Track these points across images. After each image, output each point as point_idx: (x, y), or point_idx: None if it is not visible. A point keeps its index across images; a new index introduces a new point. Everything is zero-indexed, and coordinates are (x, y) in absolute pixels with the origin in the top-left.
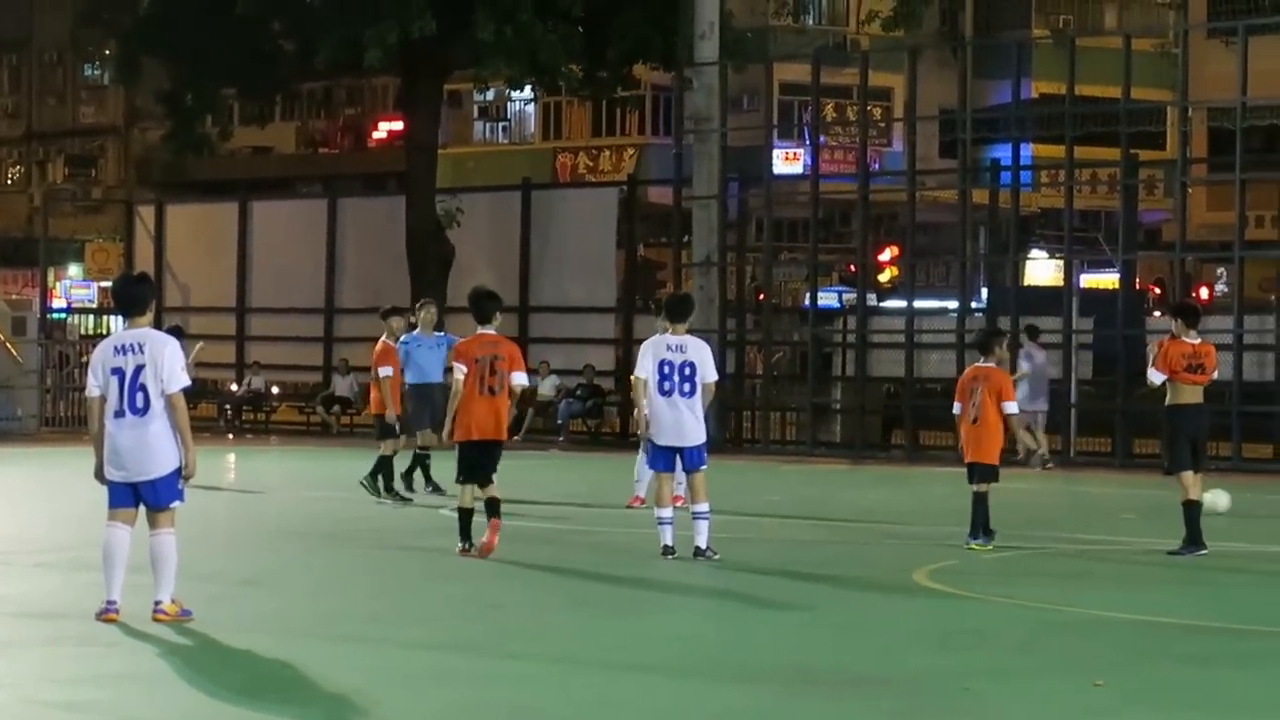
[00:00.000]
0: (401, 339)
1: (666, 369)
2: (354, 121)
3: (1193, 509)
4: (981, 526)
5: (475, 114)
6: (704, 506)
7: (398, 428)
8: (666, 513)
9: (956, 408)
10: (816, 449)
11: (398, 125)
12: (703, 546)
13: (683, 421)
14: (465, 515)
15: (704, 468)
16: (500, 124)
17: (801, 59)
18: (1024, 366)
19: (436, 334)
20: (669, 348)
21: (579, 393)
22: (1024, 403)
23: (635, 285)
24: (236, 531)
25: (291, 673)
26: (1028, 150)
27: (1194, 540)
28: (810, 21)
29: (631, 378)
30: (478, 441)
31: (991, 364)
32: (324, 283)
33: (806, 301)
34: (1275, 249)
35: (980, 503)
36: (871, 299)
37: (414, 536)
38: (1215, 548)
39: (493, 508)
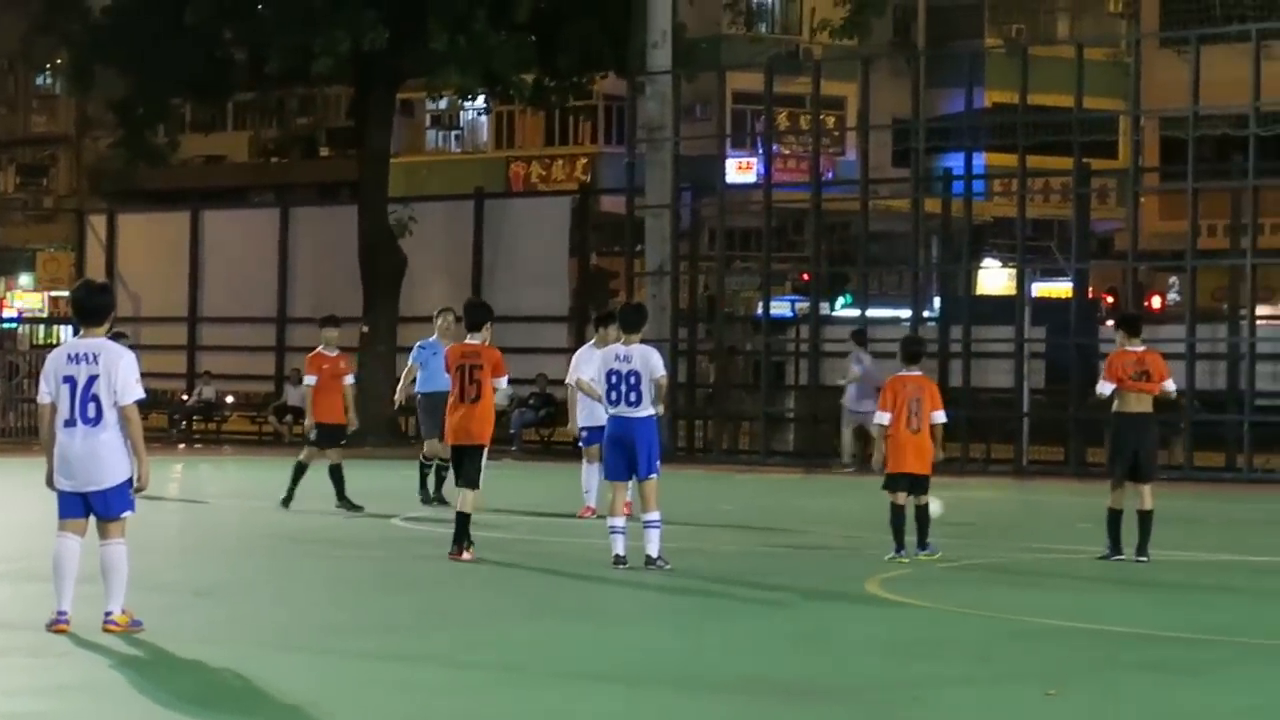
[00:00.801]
0: (419, 344)
1: (614, 379)
2: (306, 130)
3: (1114, 517)
4: (922, 535)
5: (428, 122)
6: (655, 515)
7: (312, 435)
8: (619, 522)
9: (885, 418)
10: (770, 458)
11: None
12: (654, 555)
13: (628, 429)
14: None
15: (655, 476)
16: (453, 133)
17: (754, 68)
18: (855, 370)
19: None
20: (617, 357)
21: (532, 402)
22: (853, 404)
23: (588, 294)
24: (188, 542)
25: (243, 683)
26: (980, 159)
27: (1112, 546)
28: (763, 30)
29: (567, 381)
30: (454, 446)
31: (919, 372)
32: (276, 292)
33: (759, 310)
34: (1227, 258)
35: (925, 512)
36: (824, 308)
37: (368, 546)
38: (1168, 556)
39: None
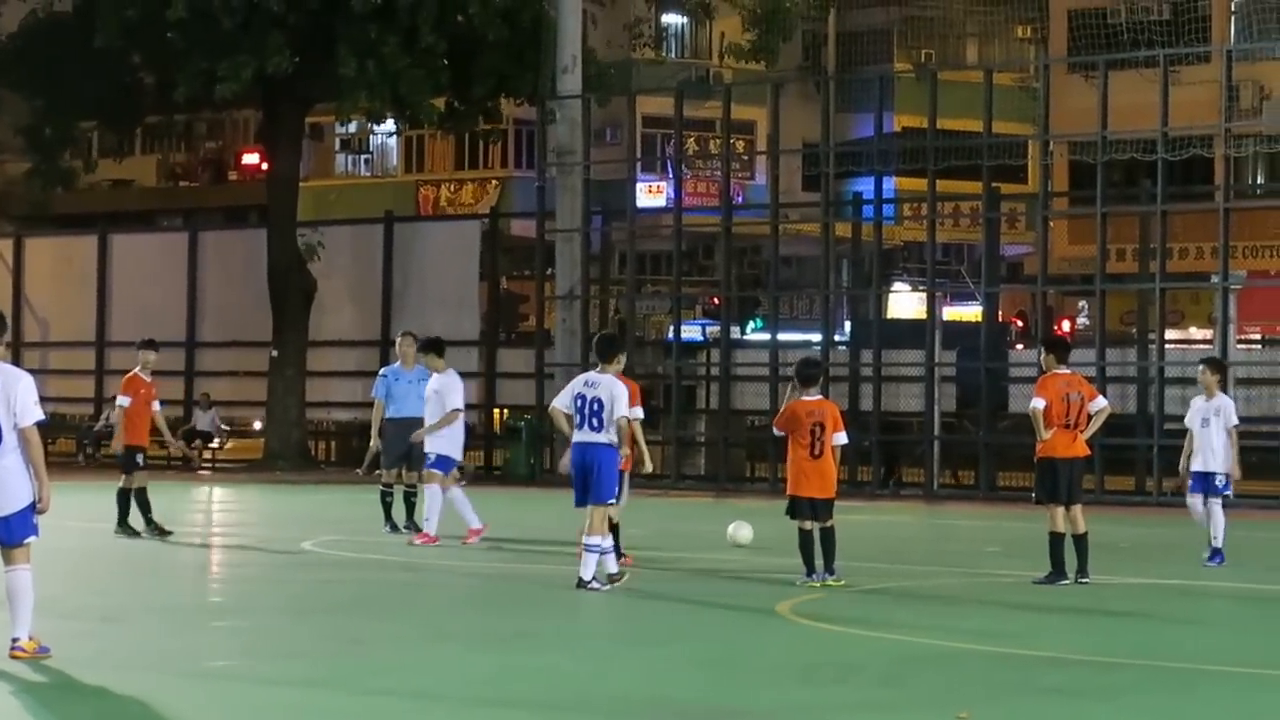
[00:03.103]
0: (381, 372)
1: (580, 403)
2: (215, 154)
3: (1057, 540)
4: (829, 560)
5: (337, 146)
6: (596, 540)
7: (140, 459)
8: (606, 542)
9: (782, 433)
10: (681, 482)
11: (258, 158)
12: (586, 579)
13: (586, 454)
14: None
15: (611, 502)
16: (362, 156)
17: (664, 92)
18: None
19: (418, 367)
20: (586, 383)
21: None
22: None
23: (498, 318)
24: (97, 568)
25: (143, 710)
26: (890, 183)
27: (1057, 570)
28: (672, 55)
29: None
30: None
31: (818, 396)
32: (185, 316)
33: (670, 334)
34: (1136, 282)
35: (831, 536)
36: (735, 332)
37: (277, 571)
38: (1079, 580)
39: None
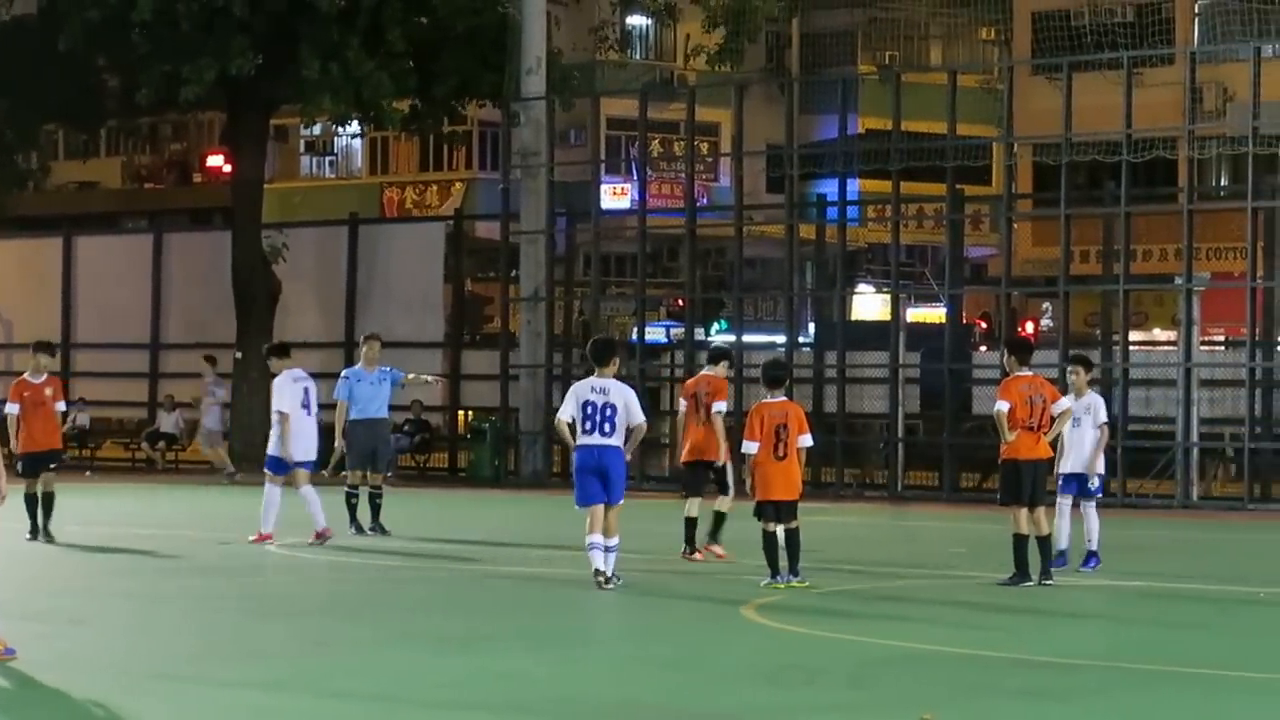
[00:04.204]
0: (343, 374)
1: (590, 409)
2: (180, 156)
3: (1021, 542)
4: (794, 562)
5: (302, 148)
6: (615, 540)
7: (19, 466)
8: (599, 539)
9: (752, 447)
10: (646, 484)
11: (223, 160)
12: (610, 574)
13: (602, 458)
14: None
15: (620, 503)
16: (327, 158)
17: (628, 94)
18: (218, 394)
19: (380, 369)
20: (593, 389)
21: (406, 428)
22: (214, 424)
23: (462, 320)
24: (64, 570)
25: (105, 712)
26: (854, 185)
27: (1021, 572)
28: (637, 57)
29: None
30: (689, 463)
31: (783, 398)
32: (149, 318)
33: (634, 336)
34: (1100, 284)
35: (795, 538)
36: (699, 333)
37: (243, 574)
38: (1043, 582)
39: None
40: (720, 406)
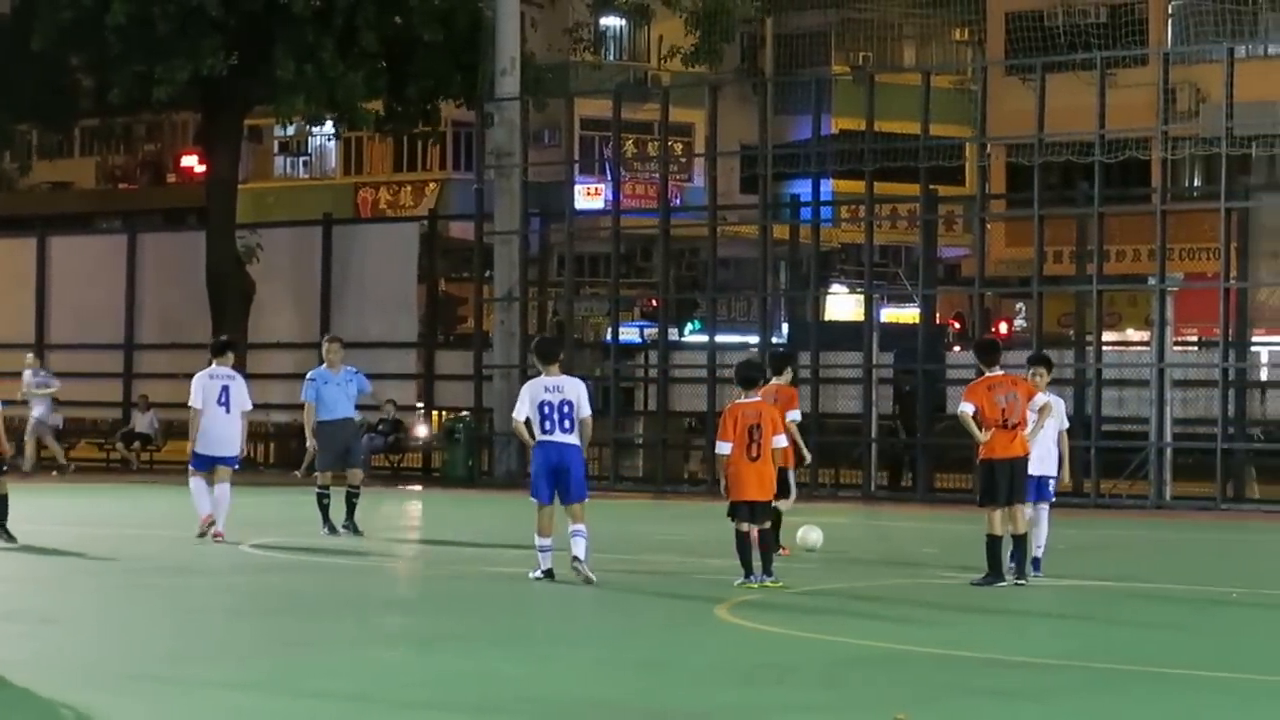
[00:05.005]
0: (309, 375)
1: (547, 409)
2: (154, 157)
3: (995, 542)
4: (767, 562)
5: (276, 149)
6: (582, 526)
7: None
8: (548, 541)
9: (726, 447)
10: (619, 483)
11: (197, 160)
12: (582, 557)
13: (563, 455)
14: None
15: (585, 498)
16: (301, 159)
17: (602, 94)
18: (37, 384)
19: (345, 369)
20: (546, 388)
21: (380, 428)
22: (45, 416)
23: (436, 320)
24: (38, 570)
25: (78, 713)
26: (828, 186)
27: (994, 572)
28: (610, 58)
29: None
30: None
31: (757, 398)
32: (123, 318)
33: (608, 336)
34: (1073, 284)
35: (769, 538)
36: (673, 334)
37: (216, 574)
38: (1016, 582)
39: None
40: (794, 415)
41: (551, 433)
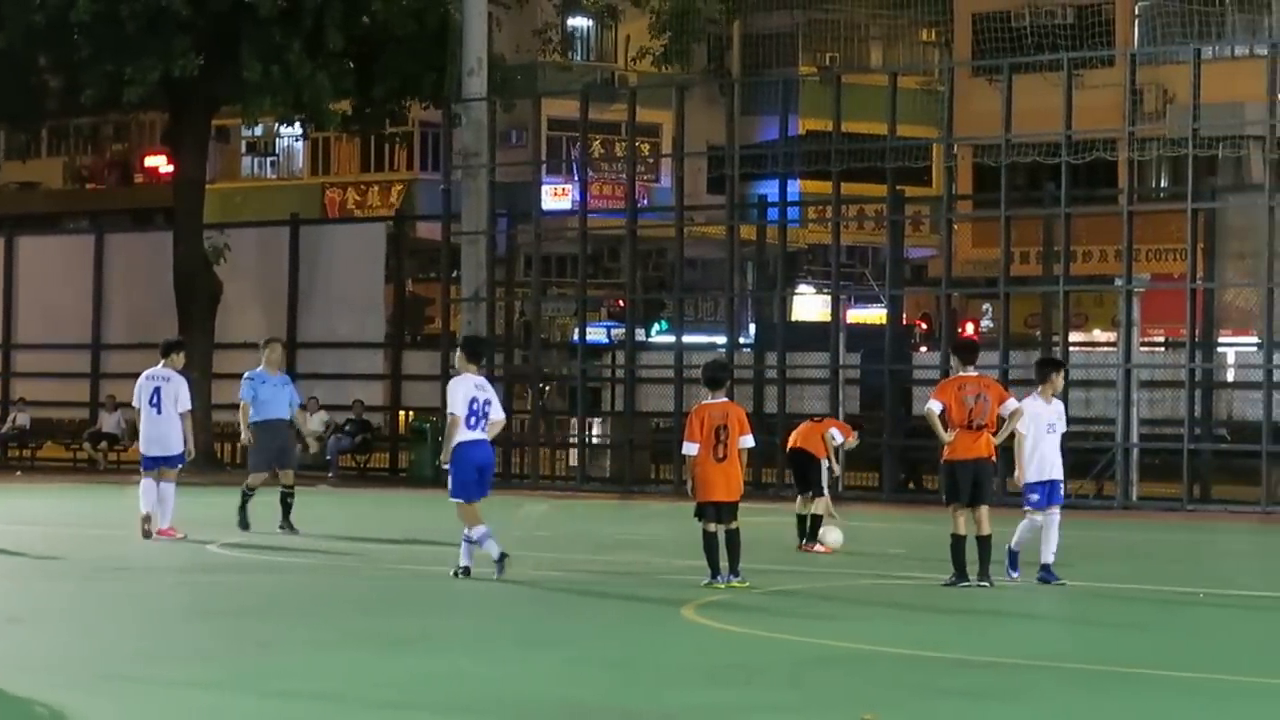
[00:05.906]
0: (246, 375)
1: (475, 405)
2: (121, 157)
3: (958, 543)
4: (734, 562)
5: (243, 149)
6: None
7: None
8: (478, 531)
9: (693, 448)
10: (585, 484)
11: (164, 160)
12: (495, 557)
13: (489, 455)
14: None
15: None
16: (268, 159)
17: (570, 95)
18: None
19: (280, 375)
20: (477, 386)
21: (348, 428)
22: None
23: (404, 320)
24: (2, 569)
25: (48, 712)
26: (795, 186)
27: (958, 573)
28: (578, 58)
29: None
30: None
31: (724, 399)
32: (91, 318)
33: (575, 337)
34: (1040, 285)
35: (735, 538)
36: (640, 334)
37: (183, 573)
38: (984, 583)
39: None
40: (837, 437)
41: (477, 429)
